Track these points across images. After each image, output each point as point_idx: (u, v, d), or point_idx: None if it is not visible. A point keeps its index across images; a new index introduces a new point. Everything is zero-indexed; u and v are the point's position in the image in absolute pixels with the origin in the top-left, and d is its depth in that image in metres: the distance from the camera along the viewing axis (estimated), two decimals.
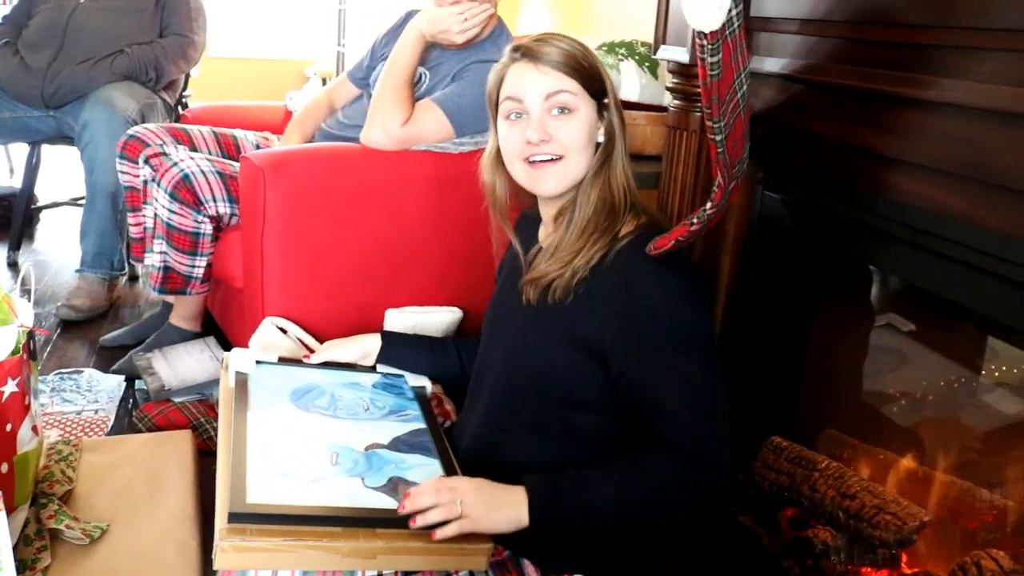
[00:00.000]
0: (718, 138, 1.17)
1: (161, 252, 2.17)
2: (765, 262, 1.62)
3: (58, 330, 2.66)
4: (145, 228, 2.36)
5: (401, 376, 1.65)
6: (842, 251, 1.48)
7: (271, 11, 6.10)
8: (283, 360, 1.65)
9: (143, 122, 2.78)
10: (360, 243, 1.99)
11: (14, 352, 1.33)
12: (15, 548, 1.28)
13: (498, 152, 1.42)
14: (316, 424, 1.44)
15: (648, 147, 2.31)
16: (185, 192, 2.10)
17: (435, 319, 2.04)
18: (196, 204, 2.11)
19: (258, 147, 2.53)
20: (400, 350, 1.68)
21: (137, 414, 2.07)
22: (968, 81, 1.08)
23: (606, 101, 1.36)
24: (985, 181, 1.09)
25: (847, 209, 1.37)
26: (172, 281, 2.20)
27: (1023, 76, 1.01)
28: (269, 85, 5.75)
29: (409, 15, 2.28)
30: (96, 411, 2.14)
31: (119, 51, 2.96)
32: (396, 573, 1.22)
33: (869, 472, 1.48)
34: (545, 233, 1.44)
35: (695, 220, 1.20)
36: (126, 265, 2.89)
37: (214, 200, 2.13)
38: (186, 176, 2.10)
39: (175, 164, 2.12)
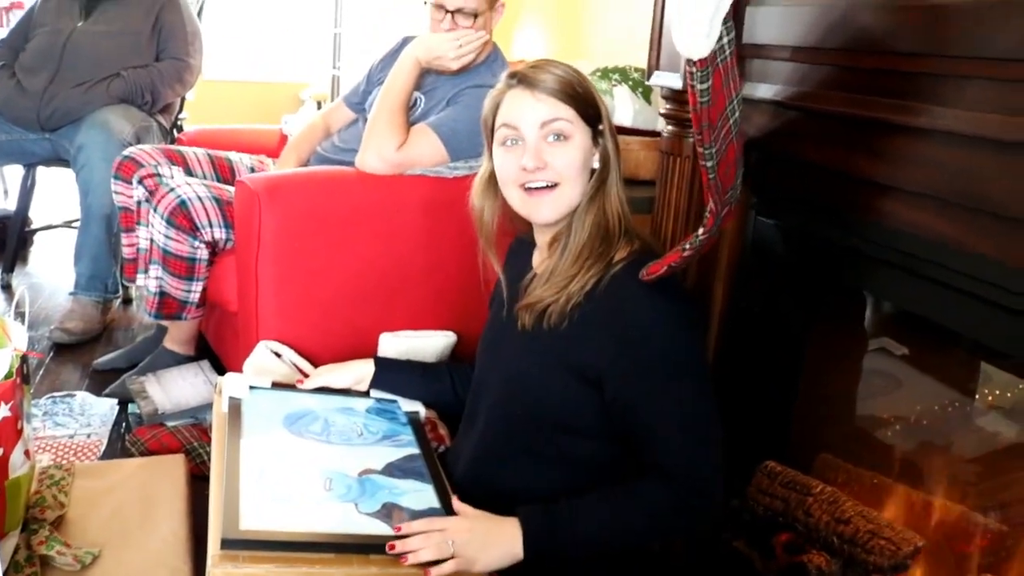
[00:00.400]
0: (709, 164, 1.18)
1: (157, 277, 2.16)
2: (758, 287, 1.63)
3: (51, 353, 2.65)
4: (138, 249, 2.36)
5: (394, 401, 1.65)
6: (835, 276, 1.48)
7: (267, 34, 6.14)
8: (276, 385, 1.65)
9: (138, 144, 2.78)
10: (355, 267, 1.99)
11: (7, 376, 1.32)
12: (5, 574, 1.27)
13: (490, 177, 1.43)
14: (309, 449, 1.44)
15: (642, 172, 2.32)
16: (182, 218, 2.10)
17: (429, 343, 2.03)
18: (193, 230, 2.11)
19: (253, 170, 2.53)
20: (393, 376, 1.68)
21: (130, 438, 2.06)
22: (958, 109, 1.09)
23: (601, 128, 1.36)
24: (976, 208, 1.09)
25: (839, 235, 1.38)
26: (168, 307, 2.19)
27: (1012, 104, 1.02)
28: (264, 108, 5.78)
29: (405, 40, 2.30)
30: (89, 435, 2.13)
31: (115, 74, 2.96)
32: None
33: (863, 497, 1.48)
34: (540, 259, 1.44)
35: (687, 246, 1.21)
36: (120, 288, 2.88)
37: (210, 226, 2.13)
38: (183, 202, 2.10)
39: (172, 190, 2.12)
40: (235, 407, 1.52)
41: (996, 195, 1.05)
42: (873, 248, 1.31)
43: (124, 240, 2.44)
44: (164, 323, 2.43)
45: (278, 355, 1.87)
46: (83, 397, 2.32)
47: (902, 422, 1.56)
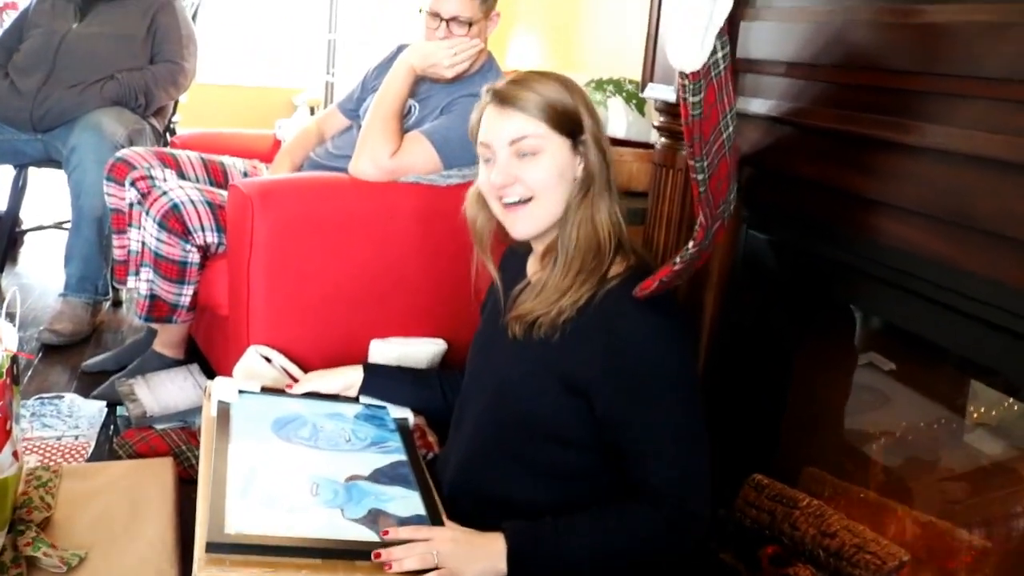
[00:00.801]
0: (700, 177, 1.18)
1: (148, 280, 2.16)
2: (749, 301, 1.63)
3: (40, 354, 2.63)
4: (129, 251, 2.36)
5: (383, 408, 1.65)
6: (825, 291, 1.49)
7: (261, 39, 6.14)
8: (266, 390, 1.65)
9: (131, 147, 2.78)
10: (346, 273, 2.00)
11: None
12: None
13: None
14: (297, 454, 1.44)
15: (635, 183, 2.33)
16: (174, 222, 2.10)
17: (420, 350, 2.04)
18: (185, 234, 2.11)
19: (246, 175, 2.53)
20: (383, 381, 1.68)
21: (118, 441, 2.05)
22: (949, 127, 1.11)
23: (583, 138, 1.35)
24: (966, 225, 1.10)
25: (830, 250, 1.39)
26: (158, 309, 2.19)
27: (1002, 123, 1.03)
28: (257, 112, 5.78)
29: (400, 48, 2.31)
30: (76, 437, 2.12)
31: (109, 76, 2.96)
32: None
33: (849, 511, 1.49)
34: (534, 268, 1.45)
35: (678, 260, 1.21)
36: (110, 290, 2.87)
37: (203, 230, 2.13)
38: (176, 206, 2.10)
39: (164, 193, 2.12)
40: (224, 411, 1.52)
41: (985, 213, 1.07)
42: (863, 264, 1.32)
43: (115, 242, 2.44)
44: (154, 326, 2.42)
45: (268, 360, 1.87)
46: (71, 399, 2.31)
47: (889, 437, 1.57)
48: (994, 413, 1.36)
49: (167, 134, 3.32)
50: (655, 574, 1.33)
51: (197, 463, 1.81)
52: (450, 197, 2.04)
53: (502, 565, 1.23)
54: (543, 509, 1.30)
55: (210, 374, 2.28)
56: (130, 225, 2.33)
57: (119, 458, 1.97)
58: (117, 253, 2.43)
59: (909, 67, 1.17)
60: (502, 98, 1.34)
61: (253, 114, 5.79)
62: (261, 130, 2.99)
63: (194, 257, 2.15)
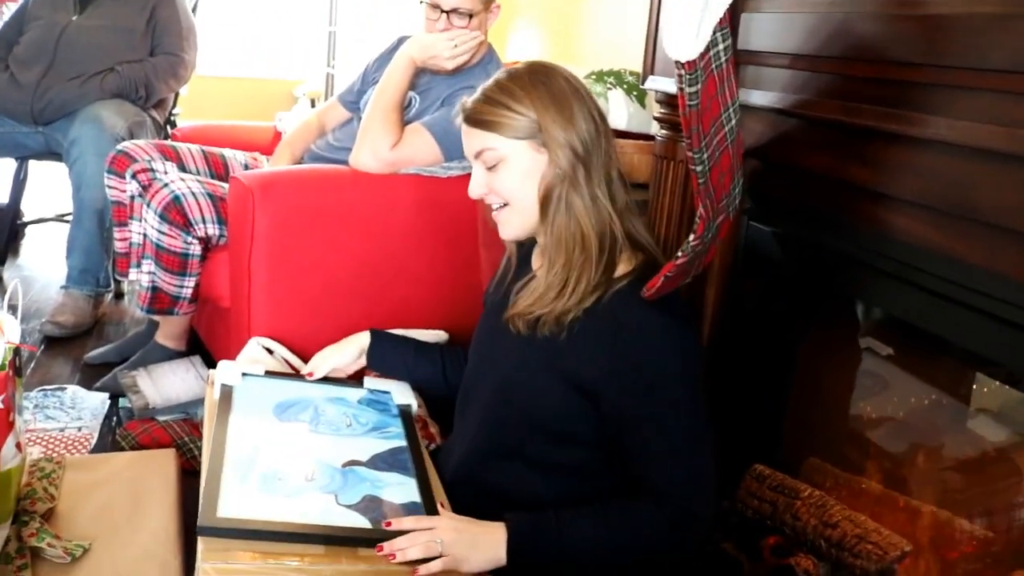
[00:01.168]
0: (699, 169, 1.18)
1: (149, 272, 2.17)
2: (750, 291, 1.63)
3: (42, 346, 2.64)
4: (131, 243, 2.36)
5: (387, 393, 1.66)
6: (827, 283, 1.49)
7: (261, 31, 6.13)
8: (270, 373, 1.65)
9: (132, 139, 2.78)
10: (347, 265, 2.00)
11: (0, 368, 1.32)
12: None
13: None
14: (296, 438, 1.45)
15: (635, 175, 2.32)
16: (175, 214, 2.10)
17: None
18: (186, 226, 2.11)
19: (247, 167, 2.53)
20: (387, 349, 1.69)
21: (121, 432, 2.06)
22: (952, 119, 1.10)
23: (542, 138, 1.31)
24: (967, 217, 1.10)
25: (832, 241, 1.39)
26: (160, 301, 2.19)
27: (1004, 115, 1.03)
28: (257, 104, 5.78)
29: (401, 40, 2.31)
30: (79, 428, 2.13)
31: (110, 69, 2.96)
32: None
33: (851, 501, 1.49)
34: (538, 263, 1.44)
35: (679, 254, 1.20)
36: (112, 282, 2.88)
37: (204, 222, 2.13)
38: (176, 198, 2.10)
39: (165, 185, 2.12)
40: (226, 394, 1.53)
41: (987, 204, 1.06)
42: (864, 255, 1.31)
43: (116, 234, 2.44)
44: (156, 318, 2.43)
45: (270, 352, 1.87)
46: (74, 391, 2.31)
47: (891, 427, 1.57)
48: (997, 402, 1.36)
49: (168, 126, 3.32)
50: (656, 569, 1.34)
51: (200, 454, 1.82)
52: (451, 189, 2.04)
53: (502, 554, 1.24)
54: (546, 505, 1.30)
55: (212, 366, 2.28)
56: (131, 217, 2.33)
57: (122, 449, 1.97)
58: (119, 245, 2.44)
59: (912, 59, 1.17)
60: (464, 115, 1.36)
61: (254, 106, 5.79)
62: (262, 122, 2.99)
63: (195, 249, 2.16)
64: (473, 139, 1.35)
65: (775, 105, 1.45)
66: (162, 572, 1.39)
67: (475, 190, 1.37)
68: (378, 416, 1.58)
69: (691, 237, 1.21)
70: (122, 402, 2.26)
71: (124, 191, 2.34)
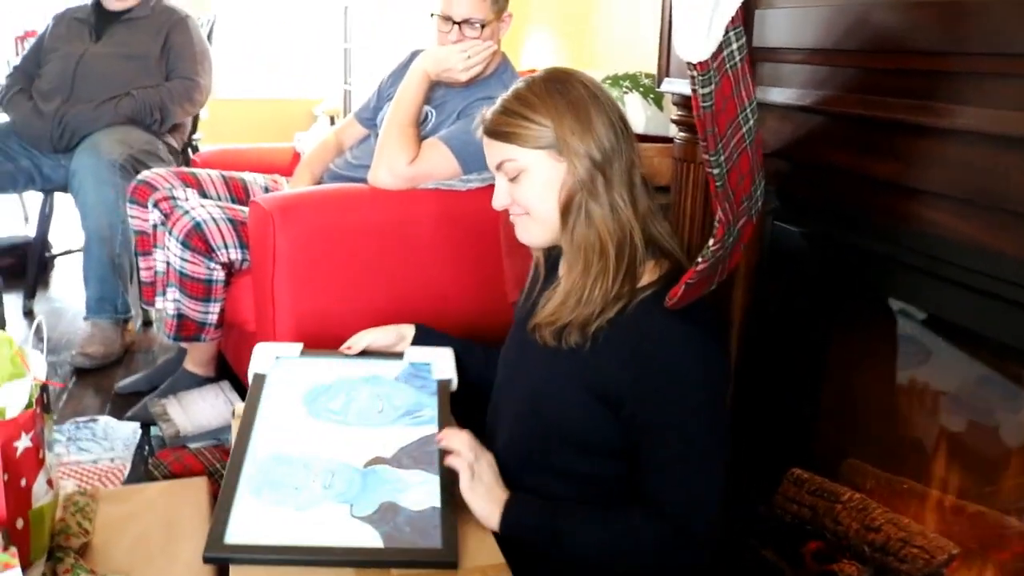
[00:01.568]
0: (716, 171, 1.15)
1: (175, 300, 2.17)
2: (778, 291, 1.61)
3: (73, 378, 2.66)
4: (156, 272, 2.37)
5: (427, 365, 1.64)
6: (855, 279, 1.46)
7: (278, 52, 6.17)
8: (307, 352, 1.67)
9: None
10: (371, 283, 1.99)
11: (28, 406, 1.32)
12: None
13: None
14: (321, 436, 1.45)
15: (657, 179, 2.30)
16: (197, 240, 2.10)
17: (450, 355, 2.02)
18: (208, 252, 2.12)
19: (267, 190, 2.54)
20: (433, 338, 1.71)
21: (153, 461, 2.06)
22: (979, 108, 1.07)
23: (559, 146, 1.29)
24: (998, 207, 1.07)
25: (859, 238, 1.36)
26: (186, 328, 2.20)
27: None
28: (278, 124, 5.81)
29: (414, 54, 2.30)
30: (112, 459, 2.13)
31: (125, 93, 2.99)
32: None
33: (893, 503, 1.46)
34: (564, 269, 1.43)
35: (699, 260, 1.17)
36: (130, 307, 2.89)
37: (226, 247, 2.13)
38: (198, 224, 2.11)
39: (186, 213, 2.12)
40: (257, 385, 1.54)
41: (1018, 193, 1.04)
42: (893, 250, 1.29)
43: (141, 263, 2.46)
44: (184, 345, 2.44)
45: None
46: (106, 421, 2.32)
47: (930, 425, 1.54)
48: None
49: (188, 151, 3.34)
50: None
51: None
52: (471, 201, 2.03)
53: (495, 519, 1.28)
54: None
55: (241, 391, 2.28)
56: (155, 246, 2.34)
57: (155, 479, 1.98)
58: (144, 275, 2.45)
59: (935, 47, 1.14)
60: (484, 127, 1.35)
61: (274, 126, 5.82)
62: (281, 144, 3.00)
63: (219, 275, 2.16)
64: (493, 151, 1.34)
65: (795, 102, 1.42)
66: None
67: (499, 201, 1.37)
68: (414, 395, 1.56)
69: (711, 242, 1.17)
70: (153, 431, 2.26)
71: (147, 220, 2.35)
